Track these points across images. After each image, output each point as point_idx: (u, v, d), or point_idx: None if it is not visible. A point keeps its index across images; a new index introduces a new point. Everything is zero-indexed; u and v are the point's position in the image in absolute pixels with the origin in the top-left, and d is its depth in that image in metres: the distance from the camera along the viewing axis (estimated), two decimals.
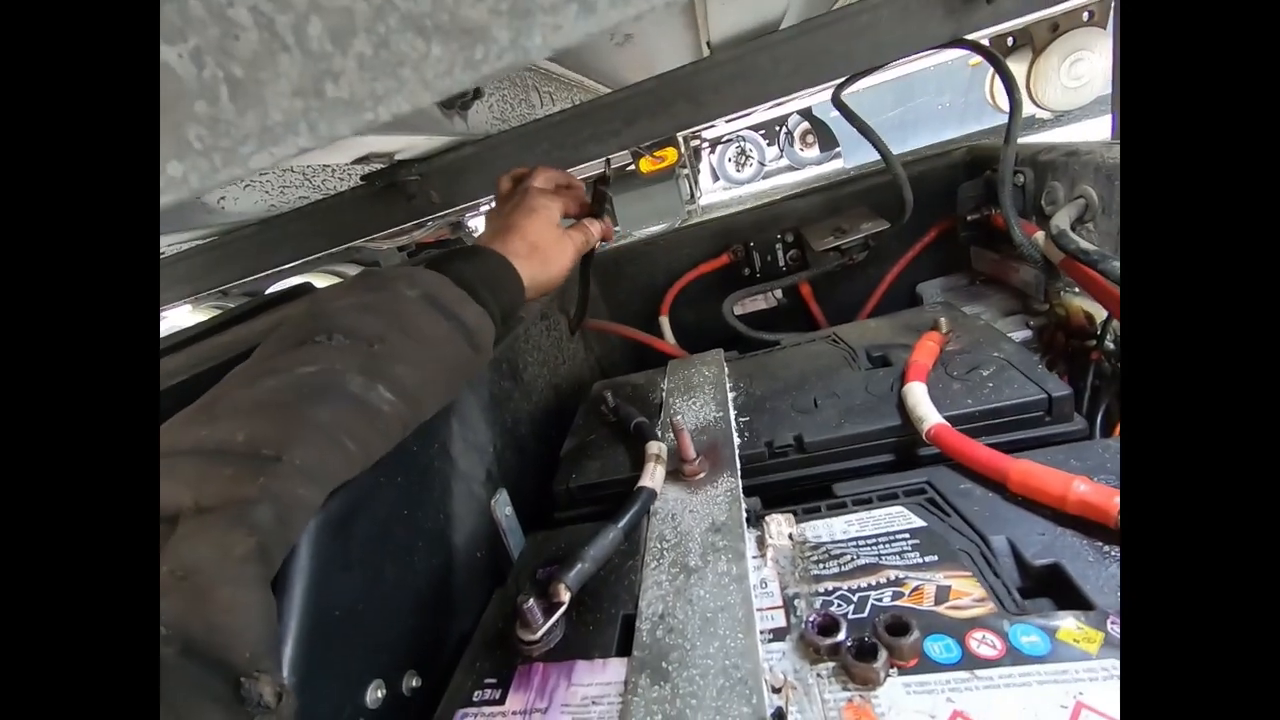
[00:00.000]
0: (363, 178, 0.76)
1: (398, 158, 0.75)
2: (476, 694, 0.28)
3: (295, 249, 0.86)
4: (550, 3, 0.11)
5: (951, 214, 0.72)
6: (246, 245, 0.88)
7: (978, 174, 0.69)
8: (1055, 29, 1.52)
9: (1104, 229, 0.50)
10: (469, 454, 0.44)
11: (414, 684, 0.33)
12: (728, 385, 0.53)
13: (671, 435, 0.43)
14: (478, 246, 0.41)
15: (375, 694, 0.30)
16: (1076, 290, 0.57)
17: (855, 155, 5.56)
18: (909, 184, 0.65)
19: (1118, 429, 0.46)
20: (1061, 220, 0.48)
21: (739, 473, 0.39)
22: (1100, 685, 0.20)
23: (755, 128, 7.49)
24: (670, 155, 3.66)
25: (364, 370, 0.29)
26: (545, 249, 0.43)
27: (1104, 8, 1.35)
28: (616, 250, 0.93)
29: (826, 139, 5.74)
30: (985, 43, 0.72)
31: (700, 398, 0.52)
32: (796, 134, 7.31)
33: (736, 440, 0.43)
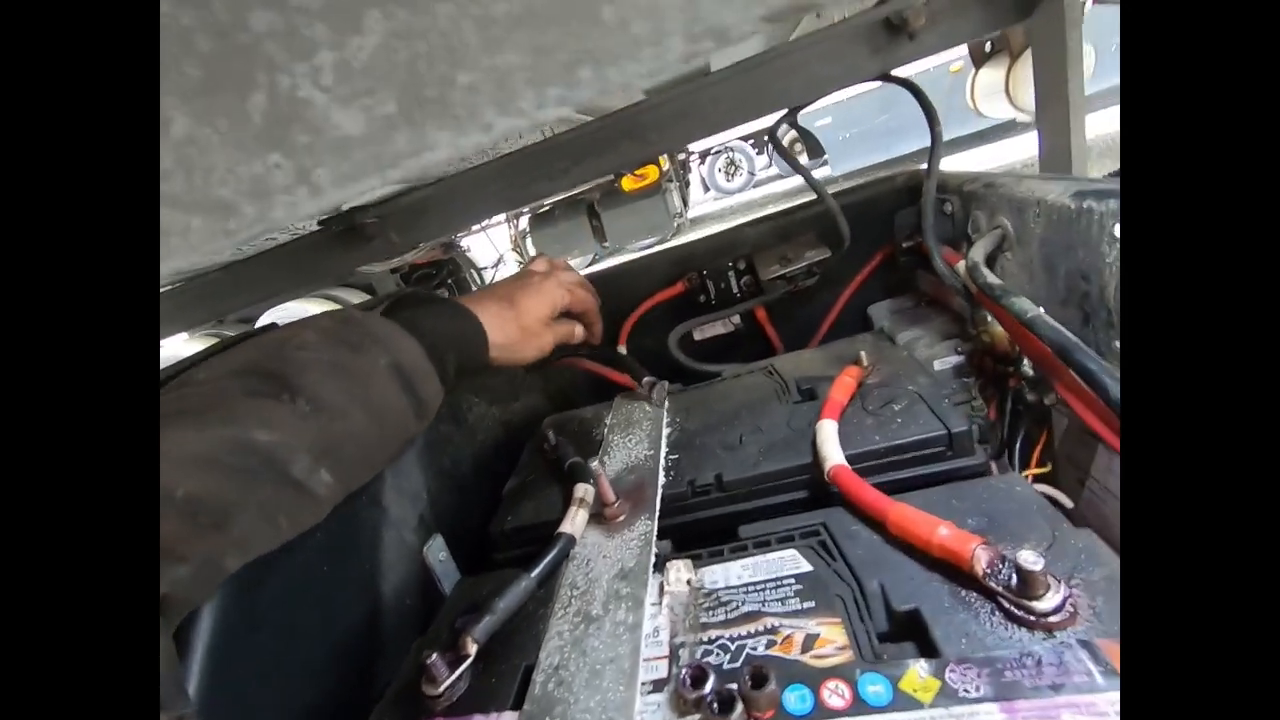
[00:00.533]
0: (319, 222, 0.78)
1: (346, 206, 0.77)
2: None
3: (260, 291, 0.88)
4: (284, 185, 0.12)
5: (892, 240, 0.74)
6: (211, 289, 0.90)
7: (915, 202, 0.71)
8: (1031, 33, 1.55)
9: (1019, 259, 0.51)
10: (400, 501, 0.45)
11: None
12: (664, 421, 0.54)
13: (638, 451, 0.44)
14: (463, 307, 0.41)
15: None
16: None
17: (842, 163, 5.64)
18: (843, 215, 0.66)
19: (1035, 458, 0.47)
20: (976, 253, 0.50)
21: (657, 515, 0.40)
22: None
23: (744, 138, 7.57)
24: (651, 173, 3.72)
25: (314, 450, 0.28)
26: (526, 331, 0.44)
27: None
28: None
29: (814, 148, 5.80)
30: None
31: (636, 434, 0.53)
32: (785, 143, 7.37)
33: (662, 479, 0.45)
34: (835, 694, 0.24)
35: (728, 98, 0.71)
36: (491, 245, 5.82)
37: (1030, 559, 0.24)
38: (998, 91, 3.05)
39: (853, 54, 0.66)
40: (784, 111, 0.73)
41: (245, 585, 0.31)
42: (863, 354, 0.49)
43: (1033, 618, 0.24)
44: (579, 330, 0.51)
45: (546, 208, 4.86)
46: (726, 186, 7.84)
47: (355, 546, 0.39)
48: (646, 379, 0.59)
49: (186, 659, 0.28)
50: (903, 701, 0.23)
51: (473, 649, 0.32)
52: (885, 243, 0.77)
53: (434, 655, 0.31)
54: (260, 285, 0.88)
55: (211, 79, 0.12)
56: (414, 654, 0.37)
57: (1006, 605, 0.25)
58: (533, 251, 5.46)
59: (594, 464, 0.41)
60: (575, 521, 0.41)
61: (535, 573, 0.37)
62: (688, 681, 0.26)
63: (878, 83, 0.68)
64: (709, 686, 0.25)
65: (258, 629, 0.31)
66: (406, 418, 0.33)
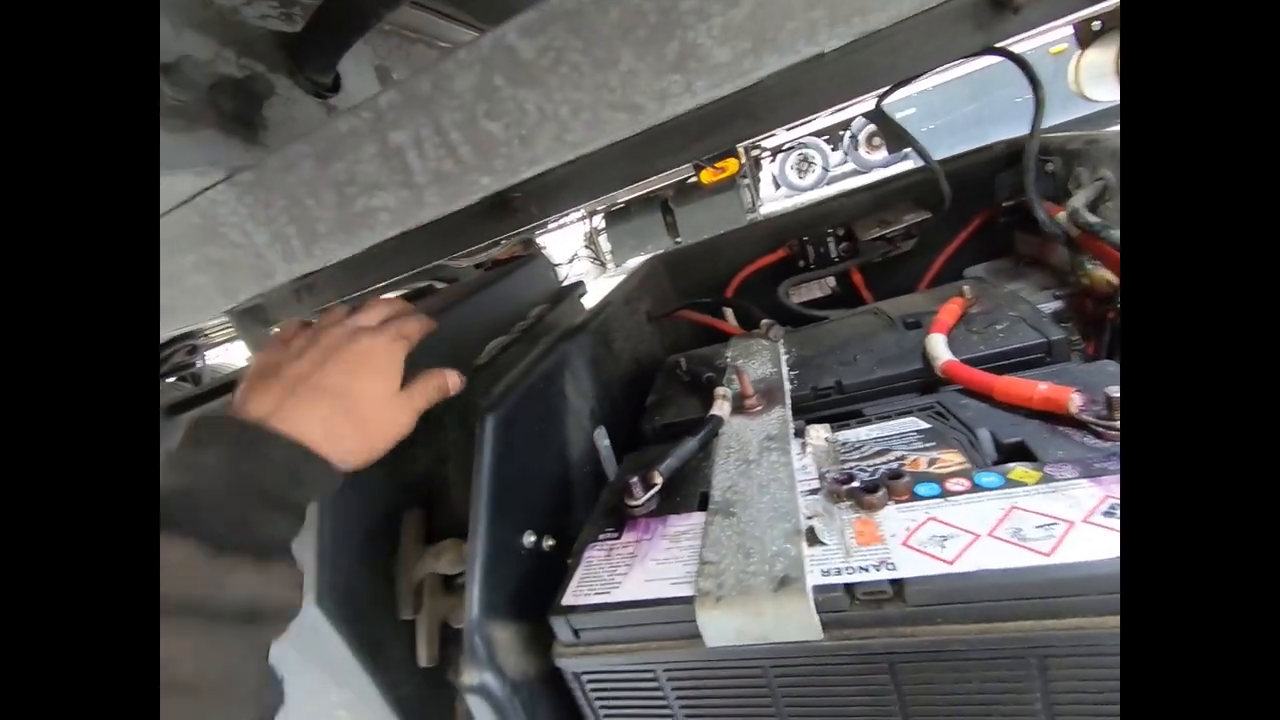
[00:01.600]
0: None
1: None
2: (600, 536, 0.41)
3: (417, 258, 1.05)
4: (675, 93, 0.24)
5: (992, 203, 0.79)
6: (374, 255, 1.09)
7: (1016, 165, 0.76)
8: None
9: (1119, 207, 0.56)
10: (577, 395, 0.57)
11: (548, 544, 0.46)
12: (781, 350, 0.64)
13: (734, 381, 0.54)
14: (262, 434, 0.31)
15: (527, 540, 0.43)
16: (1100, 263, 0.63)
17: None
18: (945, 177, 0.73)
19: None
20: (1078, 200, 0.56)
21: (789, 405, 0.50)
22: (1030, 498, 0.30)
23: (818, 133, 7.41)
24: (731, 165, 3.79)
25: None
26: (373, 419, 0.35)
27: None
28: (683, 251, 1.05)
29: (895, 140, 5.60)
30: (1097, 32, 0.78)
31: (758, 360, 0.63)
32: (862, 137, 7.18)
33: (788, 386, 0.54)
34: (957, 485, 0.33)
35: (836, 75, 0.78)
36: (567, 242, 6.07)
37: (1118, 390, 0.32)
38: (1105, 74, 2.87)
39: (955, 30, 0.72)
40: (883, 90, 0.80)
41: (504, 425, 0.44)
42: (966, 288, 0.57)
43: (1118, 433, 0.32)
44: (451, 380, 0.43)
45: (621, 205, 5.04)
46: (799, 183, 7.71)
47: (555, 420, 0.52)
48: (764, 320, 0.69)
49: (480, 470, 0.41)
50: (1012, 484, 0.31)
51: (659, 479, 0.44)
52: (983, 208, 0.82)
53: (634, 478, 0.43)
54: (419, 252, 1.05)
55: (650, 34, 0.23)
56: (608, 492, 0.49)
57: (1097, 429, 0.33)
58: (606, 248, 5.67)
59: (737, 363, 0.52)
60: (721, 409, 0.51)
61: (698, 437, 0.48)
62: (839, 481, 0.36)
63: (967, 69, 0.73)
64: (855, 484, 0.35)
65: (511, 456, 0.44)
66: (227, 645, 0.27)
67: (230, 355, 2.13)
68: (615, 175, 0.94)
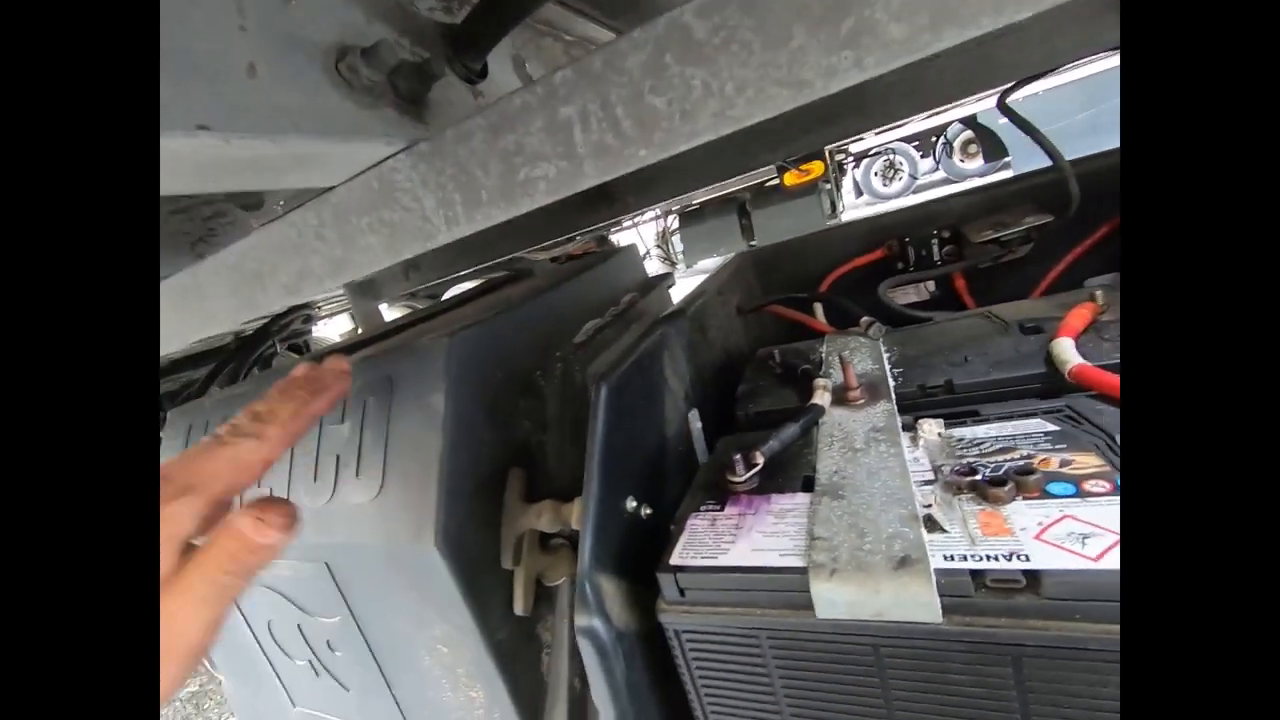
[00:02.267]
0: None
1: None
2: (701, 508, 0.42)
3: (512, 245, 1.11)
4: (844, 69, 0.24)
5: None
6: (474, 243, 1.16)
7: None
8: None
9: None
10: (674, 377, 0.59)
11: (646, 512, 0.48)
12: (882, 347, 0.62)
13: (835, 372, 0.54)
14: None
15: (629, 505, 0.46)
16: None
17: (1028, 164, 5.02)
18: (1075, 178, 0.68)
19: None
20: None
21: (894, 400, 0.49)
22: None
23: (908, 139, 7.07)
24: (816, 168, 3.69)
25: None
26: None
27: None
28: (772, 248, 1.05)
29: (993, 148, 5.25)
30: None
31: (858, 356, 0.62)
32: (957, 144, 6.77)
33: (891, 383, 0.53)
34: (1097, 485, 0.31)
35: (956, 71, 0.76)
36: (640, 240, 6.14)
37: None
38: None
39: (1098, 22, 0.67)
40: (1007, 87, 0.76)
41: (616, 392, 0.46)
42: (1098, 293, 0.53)
43: None
44: (251, 535, 0.26)
45: (696, 206, 5.04)
46: (883, 191, 7.38)
47: (655, 397, 0.54)
48: (864, 318, 0.67)
49: (593, 434, 0.43)
50: None
51: (760, 459, 0.44)
52: (1112, 215, 0.75)
53: (737, 455, 0.44)
54: (518, 238, 1.12)
55: (825, 12, 0.24)
56: (703, 470, 0.50)
57: None
58: (678, 249, 5.68)
59: (842, 354, 0.51)
60: (823, 399, 0.51)
61: (799, 423, 0.48)
62: (961, 472, 0.35)
63: (1082, 73, 0.67)
64: (979, 476, 0.34)
65: (620, 425, 0.46)
66: None
67: (334, 328, 2.33)
68: (712, 169, 0.96)
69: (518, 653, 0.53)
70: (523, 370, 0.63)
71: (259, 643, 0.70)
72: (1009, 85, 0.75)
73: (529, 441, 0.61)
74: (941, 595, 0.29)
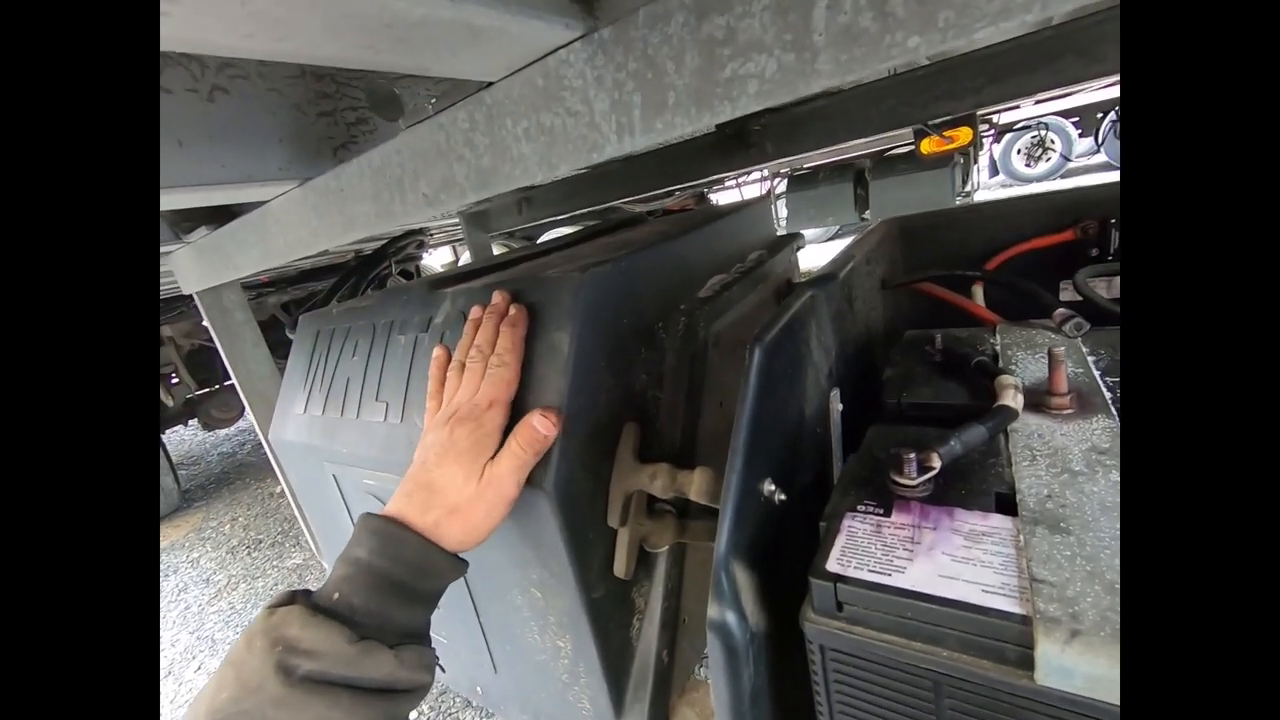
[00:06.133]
0: (717, 125, 0.89)
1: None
2: (859, 508, 0.36)
3: (646, 184, 1.05)
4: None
5: None
6: (608, 176, 1.10)
7: None
8: None
9: None
10: (819, 350, 0.51)
11: (780, 497, 0.42)
12: (1084, 349, 0.51)
13: (1024, 370, 0.44)
14: (404, 534, 0.38)
15: (767, 489, 0.40)
16: None
17: None
18: None
19: None
20: None
21: (1117, 418, 0.39)
22: None
23: (1066, 113, 6.13)
24: (963, 135, 3.25)
25: None
26: (463, 505, 0.39)
27: None
28: (928, 216, 0.91)
29: None
30: None
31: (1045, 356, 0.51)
32: (1111, 129, 5.78)
33: (1108, 394, 0.42)
34: None
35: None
36: (740, 198, 5.85)
37: None
38: None
39: None
40: None
41: (770, 353, 0.39)
42: None
43: None
44: (538, 424, 0.42)
45: (808, 169, 4.68)
46: (1024, 172, 6.51)
47: (799, 371, 0.47)
48: (1059, 310, 0.55)
49: (744, 402, 0.37)
50: None
51: (937, 463, 0.37)
52: None
53: (911, 455, 0.36)
54: (652, 178, 1.05)
55: None
56: (854, 462, 0.43)
57: None
58: (783, 213, 5.35)
59: (1056, 350, 0.41)
60: (1015, 400, 0.42)
61: (987, 426, 0.39)
62: None
63: None
64: None
65: (768, 395, 0.40)
66: (366, 716, 0.33)
67: (441, 256, 2.42)
68: (874, 118, 0.83)
69: (611, 613, 0.51)
70: (646, 319, 0.58)
71: None
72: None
73: (645, 395, 0.56)
74: None
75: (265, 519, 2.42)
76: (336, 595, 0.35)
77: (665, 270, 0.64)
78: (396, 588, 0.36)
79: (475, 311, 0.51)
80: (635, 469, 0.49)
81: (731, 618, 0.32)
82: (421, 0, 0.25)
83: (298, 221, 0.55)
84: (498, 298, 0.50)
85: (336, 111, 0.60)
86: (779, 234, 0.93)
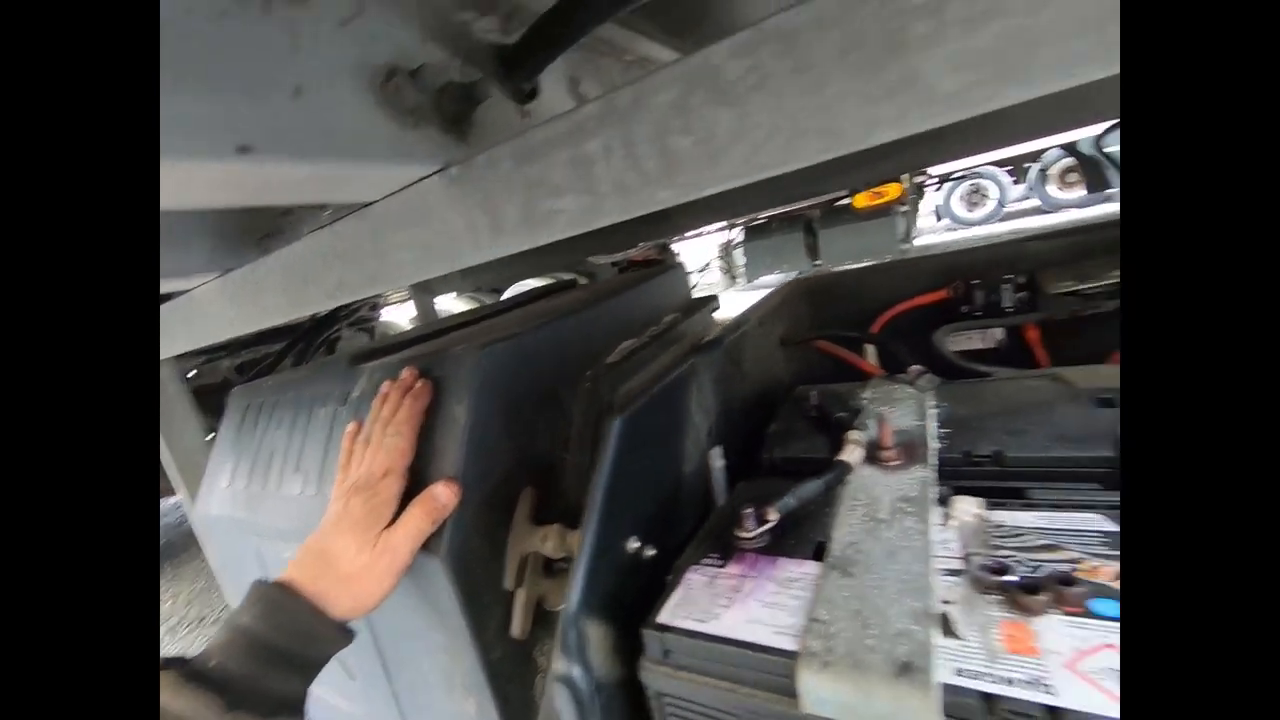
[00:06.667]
0: None
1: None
2: (703, 560, 0.40)
3: (565, 257, 1.12)
4: (888, 119, 0.22)
5: None
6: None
7: None
8: None
9: None
10: (699, 412, 0.57)
11: (649, 554, 0.46)
12: (929, 403, 0.57)
13: (871, 427, 0.50)
14: (293, 601, 0.39)
15: (631, 546, 0.44)
16: None
17: None
18: None
19: None
20: None
21: (932, 468, 0.45)
22: None
23: (1000, 163, 6.65)
24: (892, 190, 3.52)
25: None
26: (353, 574, 0.41)
27: None
28: (830, 276, 1.00)
29: (1096, 180, 4.82)
30: None
31: (901, 408, 0.57)
32: (1053, 172, 6.30)
33: (933, 444, 0.49)
34: None
35: (1048, 105, 0.69)
36: (702, 250, 6.10)
37: None
38: None
39: None
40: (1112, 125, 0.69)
41: (632, 422, 0.44)
42: None
43: None
44: (441, 494, 0.45)
45: (763, 220, 4.95)
46: (965, 216, 6.97)
47: (675, 431, 0.52)
48: (914, 366, 0.63)
49: (599, 463, 0.42)
50: None
51: (774, 516, 0.42)
52: None
53: (749, 509, 0.41)
54: (571, 248, 1.12)
55: (868, 59, 0.22)
56: (715, 517, 0.48)
57: None
58: (740, 262, 5.60)
59: (879, 410, 0.48)
60: (852, 455, 0.48)
61: (823, 480, 0.45)
62: (990, 569, 0.31)
63: None
64: (1012, 577, 0.30)
65: (632, 453, 0.45)
66: None
67: (400, 313, 2.46)
68: (769, 196, 0.93)
69: (512, 673, 0.53)
70: (551, 386, 0.63)
71: None
72: (1109, 125, 0.67)
73: (548, 457, 0.61)
74: (945, 715, 0.25)
75: (209, 594, 2.31)
76: (213, 662, 0.35)
77: (573, 339, 0.70)
78: (276, 655, 0.36)
79: (385, 386, 0.55)
80: (530, 531, 0.53)
81: (577, 671, 0.35)
82: (289, 168, 0.31)
83: (217, 310, 0.60)
84: (406, 373, 0.54)
85: (260, 206, 0.66)
86: (696, 297, 1.01)
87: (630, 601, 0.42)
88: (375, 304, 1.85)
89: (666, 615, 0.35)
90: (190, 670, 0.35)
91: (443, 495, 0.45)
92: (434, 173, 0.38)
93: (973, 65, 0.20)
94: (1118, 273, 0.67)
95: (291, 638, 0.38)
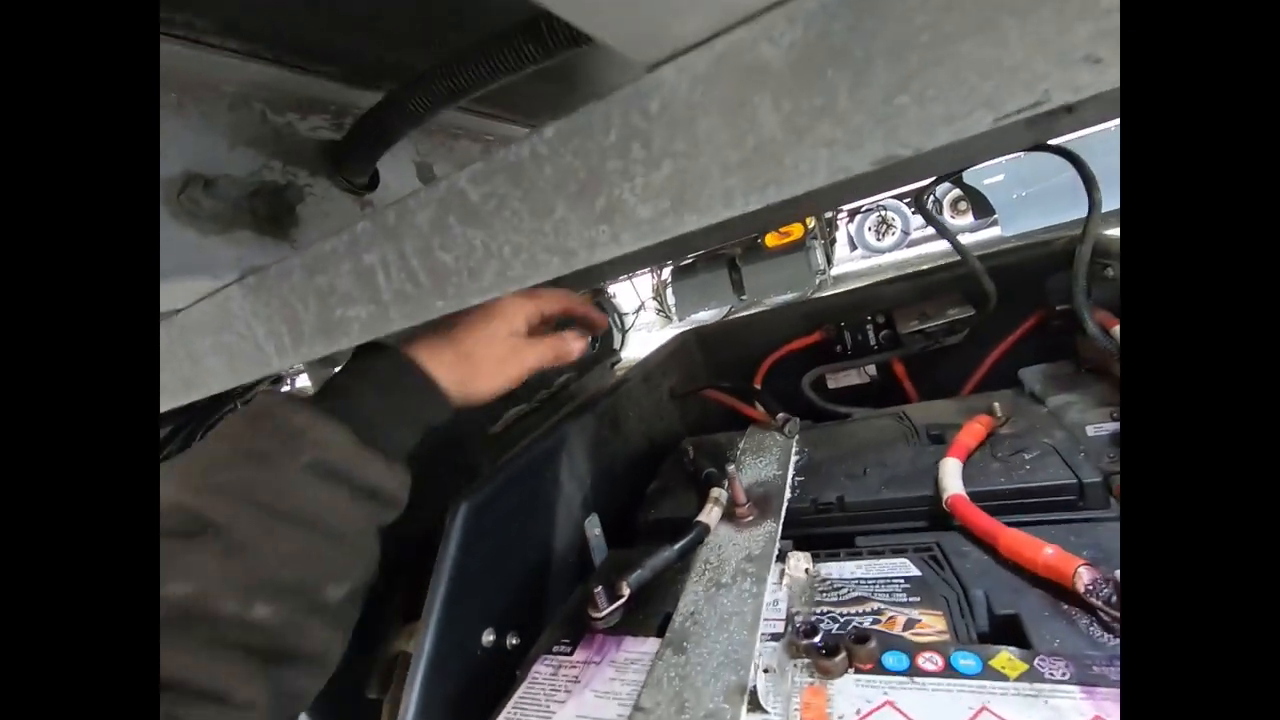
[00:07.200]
0: None
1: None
2: (554, 648, 0.39)
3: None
4: (602, 242, 0.24)
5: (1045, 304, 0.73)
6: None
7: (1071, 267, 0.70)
8: None
9: None
10: (570, 481, 0.57)
11: (514, 641, 0.45)
12: (793, 450, 0.60)
13: (758, 473, 0.52)
14: (405, 361, 0.37)
15: (486, 638, 0.43)
16: None
17: (1015, 223, 5.13)
18: (988, 275, 0.68)
19: None
20: None
21: (782, 520, 0.47)
22: (1007, 700, 0.25)
23: (899, 196, 7.29)
24: (796, 229, 3.78)
25: (241, 587, 0.27)
26: (478, 357, 0.38)
27: None
28: (720, 325, 1.04)
29: (980, 207, 5.37)
30: None
31: (767, 457, 0.60)
32: (946, 202, 6.96)
33: (788, 494, 0.51)
34: (929, 661, 0.29)
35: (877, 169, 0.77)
36: (635, 293, 6.22)
37: None
38: None
39: (1008, 127, 0.69)
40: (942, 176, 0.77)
41: (478, 511, 0.44)
42: (996, 405, 0.51)
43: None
44: (573, 344, 0.43)
45: (689, 260, 5.14)
46: (877, 245, 7.55)
47: (540, 508, 0.52)
48: (781, 414, 0.66)
49: (442, 558, 0.41)
50: (990, 674, 0.27)
51: (626, 591, 0.42)
52: (1041, 305, 0.75)
53: (599, 588, 0.41)
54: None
55: (581, 189, 0.24)
56: (579, 594, 0.47)
57: (1105, 618, 0.28)
58: (672, 302, 5.76)
59: (729, 468, 0.49)
60: (710, 515, 0.49)
61: (677, 546, 0.45)
62: (801, 631, 0.32)
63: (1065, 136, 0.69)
64: (819, 638, 0.32)
65: (482, 540, 0.44)
66: (356, 512, 0.32)
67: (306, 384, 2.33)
68: (653, 254, 0.96)
69: None
70: (433, 464, 0.61)
71: None
72: (927, 182, 0.76)
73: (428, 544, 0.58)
74: None
75: None
76: (338, 401, 0.34)
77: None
78: (396, 411, 0.36)
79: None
80: (398, 630, 0.50)
81: None
82: None
83: None
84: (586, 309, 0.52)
85: None
86: (594, 352, 1.03)
87: (492, 699, 0.40)
88: (278, 377, 1.75)
89: (504, 717, 0.34)
90: (334, 403, 0.34)
91: (575, 346, 0.43)
92: (230, 284, 0.37)
93: (655, 197, 0.22)
94: (952, 311, 0.74)
95: (408, 401, 0.37)
